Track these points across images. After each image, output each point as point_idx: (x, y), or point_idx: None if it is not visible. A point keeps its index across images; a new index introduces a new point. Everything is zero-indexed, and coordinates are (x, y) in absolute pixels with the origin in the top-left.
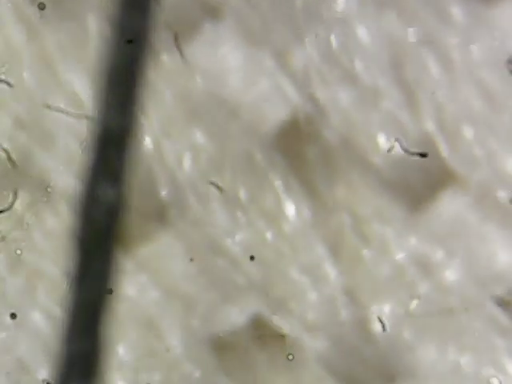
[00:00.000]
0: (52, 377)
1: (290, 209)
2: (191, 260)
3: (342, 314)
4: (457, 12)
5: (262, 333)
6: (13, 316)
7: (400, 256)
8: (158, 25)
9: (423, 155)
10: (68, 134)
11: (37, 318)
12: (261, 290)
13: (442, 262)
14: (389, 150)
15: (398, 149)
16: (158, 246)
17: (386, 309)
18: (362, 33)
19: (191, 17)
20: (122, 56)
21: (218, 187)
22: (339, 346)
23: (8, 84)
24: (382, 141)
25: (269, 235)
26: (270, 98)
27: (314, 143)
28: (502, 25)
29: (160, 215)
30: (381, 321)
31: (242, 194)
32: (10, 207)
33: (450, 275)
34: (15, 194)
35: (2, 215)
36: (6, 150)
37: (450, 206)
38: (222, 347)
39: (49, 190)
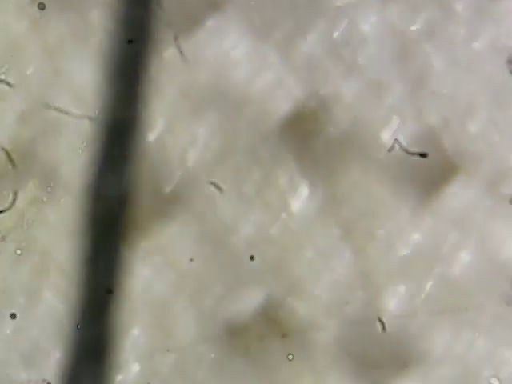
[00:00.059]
0: (66, 358)
1: (295, 204)
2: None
3: (356, 295)
4: (461, 5)
5: (276, 314)
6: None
7: (415, 238)
8: (160, 19)
9: (423, 155)
10: (71, 129)
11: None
12: (274, 272)
13: (457, 243)
14: (389, 150)
15: (402, 143)
16: (163, 240)
17: (400, 289)
18: (366, 27)
19: (194, 10)
20: (124, 51)
21: (220, 183)
22: (354, 328)
23: (8, 84)
24: (386, 135)
25: (273, 231)
26: (274, 92)
27: (318, 137)
28: (507, 19)
29: (164, 210)
30: (381, 321)
31: (247, 188)
32: (10, 207)
33: (465, 256)
34: (15, 194)
35: (2, 215)
36: (6, 150)
37: (455, 199)
38: (236, 329)
39: (52, 184)
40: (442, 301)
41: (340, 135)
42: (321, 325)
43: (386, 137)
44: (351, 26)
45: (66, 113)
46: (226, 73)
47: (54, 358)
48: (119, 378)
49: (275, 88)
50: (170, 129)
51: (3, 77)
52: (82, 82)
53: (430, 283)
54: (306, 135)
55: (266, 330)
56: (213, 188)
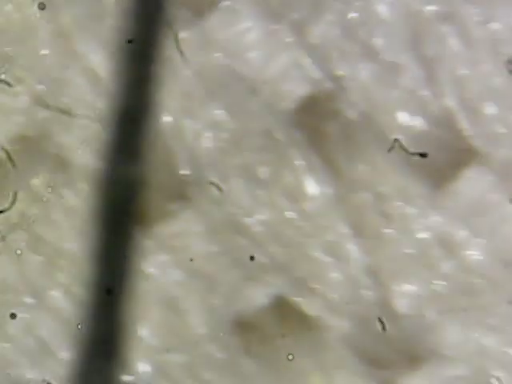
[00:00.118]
0: (74, 357)
1: (311, 187)
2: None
3: (365, 293)
4: None
5: (284, 313)
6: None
7: (423, 235)
8: (176, 0)
9: (423, 155)
10: (87, 111)
11: (58, 298)
12: (283, 270)
13: (466, 240)
14: (389, 150)
15: (420, 125)
16: (179, 225)
17: (408, 288)
18: (382, 8)
19: None
20: (139, 32)
21: (237, 165)
22: (362, 326)
23: (8, 84)
24: (403, 117)
25: (291, 214)
26: (289, 75)
27: (334, 119)
28: None
29: (180, 193)
30: (381, 321)
31: (263, 172)
32: (10, 207)
33: (474, 254)
34: (15, 194)
35: (2, 215)
36: (6, 150)
37: (472, 184)
38: (244, 327)
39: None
40: (450, 300)
41: (356, 117)
42: (329, 324)
43: (402, 119)
44: (367, 7)
45: (69, 111)
46: (242, 55)
47: (56, 358)
48: (127, 378)
49: (291, 70)
50: (185, 111)
51: (3, 77)
52: (96, 64)
53: (438, 282)
54: (322, 117)
55: (275, 330)
56: (228, 170)
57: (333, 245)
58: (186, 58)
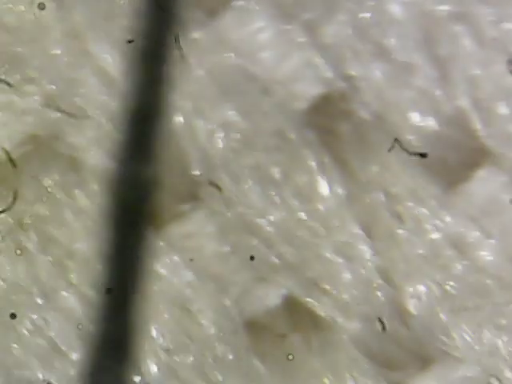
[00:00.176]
0: (84, 357)
1: (323, 187)
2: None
3: (377, 294)
4: None
5: (295, 313)
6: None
7: (435, 235)
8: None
9: (423, 155)
10: (99, 112)
11: (69, 299)
12: (294, 271)
13: (478, 241)
14: (389, 150)
15: (432, 125)
16: (191, 226)
17: (420, 289)
18: (394, 8)
19: None
20: (152, 32)
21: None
22: (373, 327)
23: (8, 84)
24: (415, 117)
25: (302, 214)
26: (302, 74)
27: (346, 119)
28: None
29: (192, 194)
30: (381, 321)
31: (275, 172)
32: (10, 207)
33: (486, 255)
34: (15, 194)
35: (2, 215)
36: (6, 150)
37: (484, 185)
38: (255, 328)
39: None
40: (462, 300)
41: (369, 117)
42: (340, 325)
43: (415, 119)
44: (379, 7)
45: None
46: (255, 55)
47: (66, 358)
48: (137, 378)
49: (304, 70)
50: (198, 111)
51: (3, 77)
52: (108, 64)
53: (450, 283)
54: (335, 117)
55: (285, 330)
56: (241, 170)
57: (344, 245)
58: (187, 60)
